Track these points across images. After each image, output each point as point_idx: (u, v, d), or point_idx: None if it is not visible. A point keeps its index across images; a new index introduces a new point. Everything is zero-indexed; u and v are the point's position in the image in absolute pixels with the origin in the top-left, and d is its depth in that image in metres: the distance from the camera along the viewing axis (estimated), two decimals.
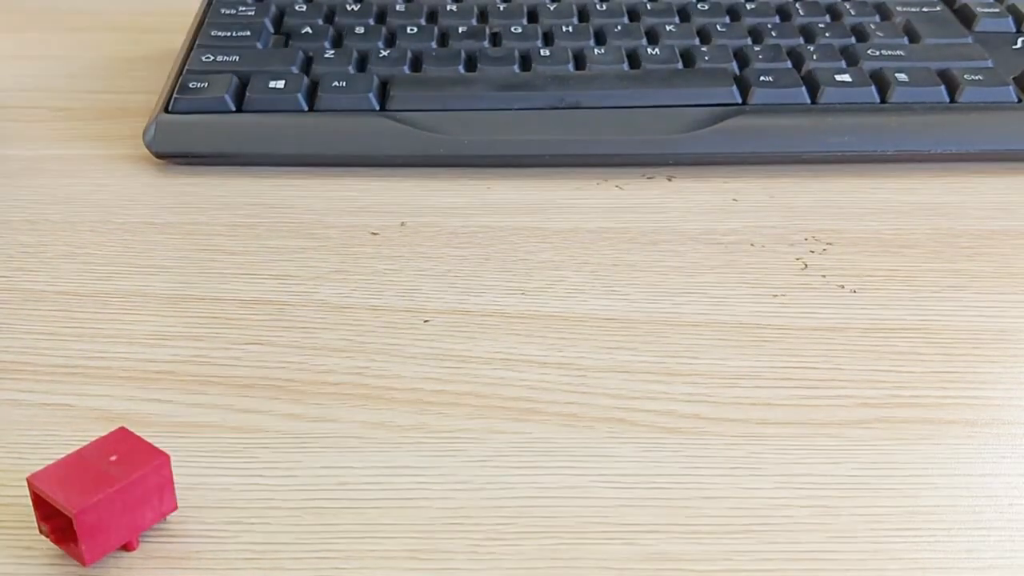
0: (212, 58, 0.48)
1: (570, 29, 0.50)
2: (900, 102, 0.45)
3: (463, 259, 0.40)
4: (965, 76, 0.46)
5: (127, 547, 0.28)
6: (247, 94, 0.46)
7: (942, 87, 0.46)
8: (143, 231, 0.42)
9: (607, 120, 0.45)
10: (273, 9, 0.52)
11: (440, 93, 0.46)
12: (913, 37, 0.50)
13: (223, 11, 0.52)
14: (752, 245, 0.40)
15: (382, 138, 0.45)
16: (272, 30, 0.51)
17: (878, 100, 0.46)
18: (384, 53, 0.48)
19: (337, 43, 0.50)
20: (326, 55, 0.48)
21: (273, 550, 0.28)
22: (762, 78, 0.46)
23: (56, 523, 0.27)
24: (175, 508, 0.29)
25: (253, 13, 0.51)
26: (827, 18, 0.52)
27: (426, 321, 0.37)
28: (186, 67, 0.48)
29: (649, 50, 0.48)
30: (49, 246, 0.41)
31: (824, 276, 0.39)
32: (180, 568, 0.28)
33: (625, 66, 0.48)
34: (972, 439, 0.32)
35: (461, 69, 0.48)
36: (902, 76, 0.46)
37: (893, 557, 0.28)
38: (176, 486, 0.30)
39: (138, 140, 0.47)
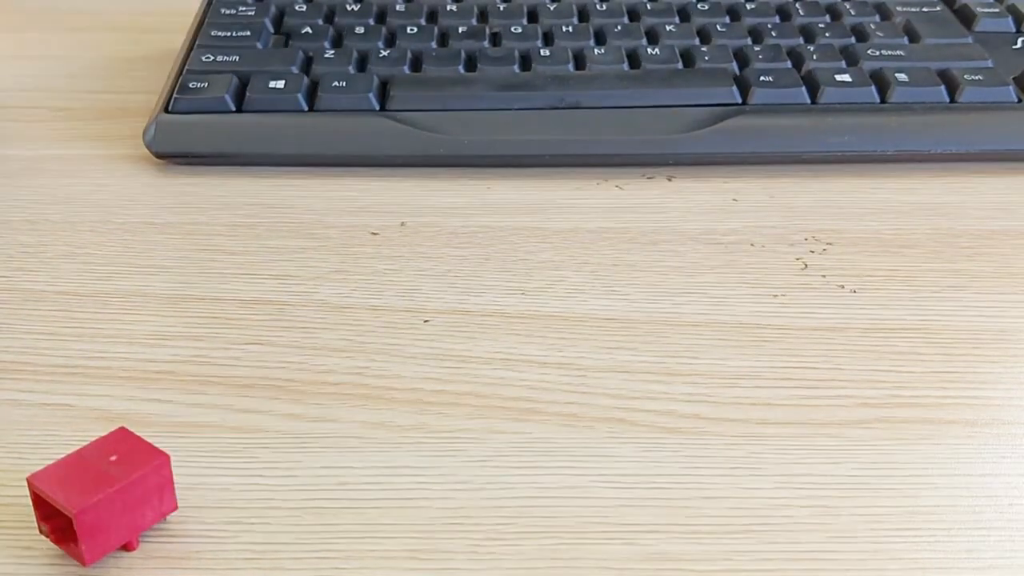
0: (212, 58, 0.48)
1: (570, 29, 0.50)
2: (900, 102, 0.45)
3: (463, 259, 0.40)
4: (965, 76, 0.46)
5: (127, 547, 0.28)
6: (247, 94, 0.46)
7: (942, 87, 0.46)
8: (143, 231, 0.42)
9: (607, 120, 0.45)
10: (273, 9, 0.52)
11: (440, 93, 0.46)
12: (913, 37, 0.50)
13: (223, 11, 0.52)
14: (752, 245, 0.40)
15: (382, 138, 0.45)
16: (272, 30, 0.51)
17: (878, 100, 0.46)
18: (384, 53, 0.48)
19: (337, 43, 0.50)
20: (326, 55, 0.48)
21: (273, 550, 0.28)
22: (762, 78, 0.46)
23: (56, 523, 0.27)
24: (175, 508, 0.29)
25: (253, 13, 0.51)
26: (827, 18, 0.52)
27: (426, 321, 0.37)
28: (186, 67, 0.48)
29: (649, 50, 0.48)
30: (49, 246, 0.41)
31: (824, 276, 0.39)
32: (180, 568, 0.28)
33: (625, 66, 0.48)
34: (972, 439, 0.32)
35: (461, 69, 0.48)
36: (902, 76, 0.46)
37: (893, 557, 0.28)
38: (176, 486, 0.30)
39: (138, 140, 0.47)
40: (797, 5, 0.52)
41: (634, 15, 0.52)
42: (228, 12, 0.52)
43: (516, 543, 0.28)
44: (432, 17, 0.52)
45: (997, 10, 0.51)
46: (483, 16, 0.52)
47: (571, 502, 0.30)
